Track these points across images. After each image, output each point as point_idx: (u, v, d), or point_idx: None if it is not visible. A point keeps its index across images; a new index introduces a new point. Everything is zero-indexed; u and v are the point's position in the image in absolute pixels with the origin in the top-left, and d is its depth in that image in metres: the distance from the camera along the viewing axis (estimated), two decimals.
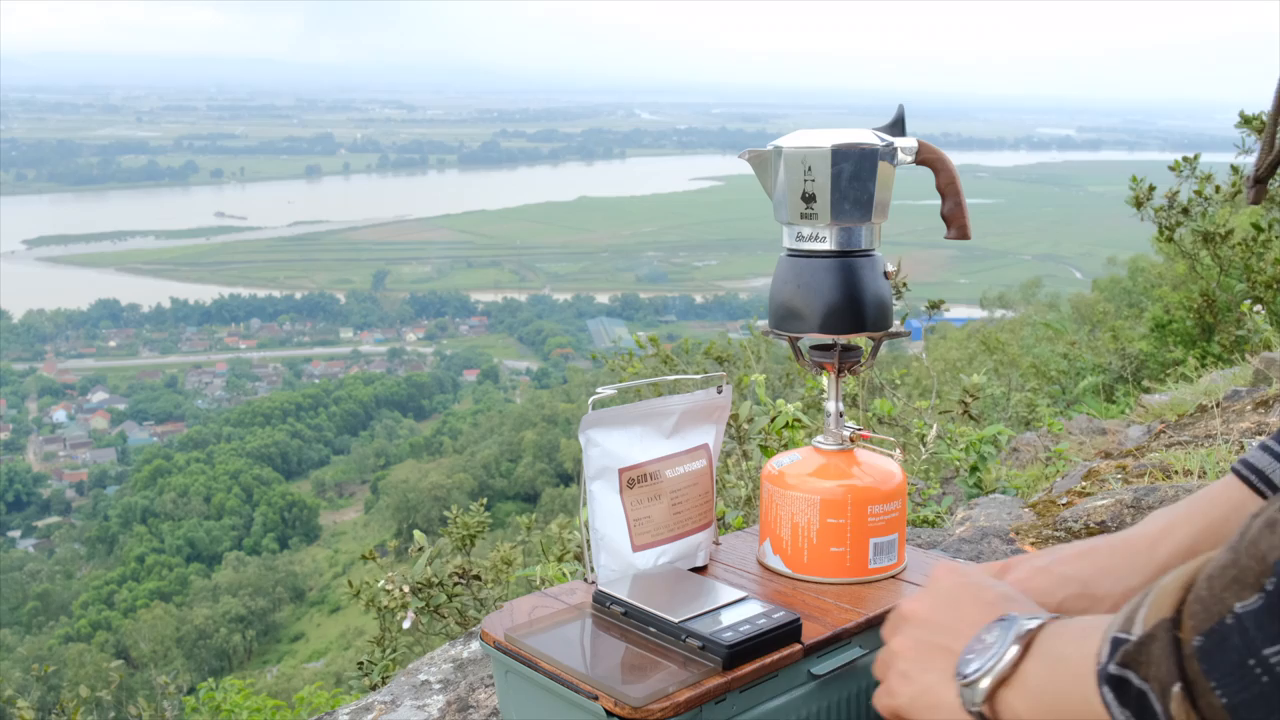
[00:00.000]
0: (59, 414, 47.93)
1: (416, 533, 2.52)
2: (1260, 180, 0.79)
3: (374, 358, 57.12)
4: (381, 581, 2.43)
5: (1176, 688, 0.56)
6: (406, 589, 2.40)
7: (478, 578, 2.51)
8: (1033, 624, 0.71)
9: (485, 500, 3.05)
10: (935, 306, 5.09)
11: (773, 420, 2.47)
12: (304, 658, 20.48)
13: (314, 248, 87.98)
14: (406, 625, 2.44)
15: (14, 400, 48.77)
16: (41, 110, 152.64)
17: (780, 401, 2.52)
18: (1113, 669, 0.61)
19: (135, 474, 36.76)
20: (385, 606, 2.46)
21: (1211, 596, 0.56)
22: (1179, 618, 0.57)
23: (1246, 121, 4.54)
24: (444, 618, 2.48)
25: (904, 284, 3.31)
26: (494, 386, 49.92)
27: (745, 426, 2.65)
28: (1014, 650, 0.70)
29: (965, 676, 0.73)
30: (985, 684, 0.71)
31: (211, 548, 30.99)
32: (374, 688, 2.26)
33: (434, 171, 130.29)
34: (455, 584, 2.47)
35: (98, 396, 50.34)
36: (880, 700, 0.85)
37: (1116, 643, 0.61)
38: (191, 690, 4.02)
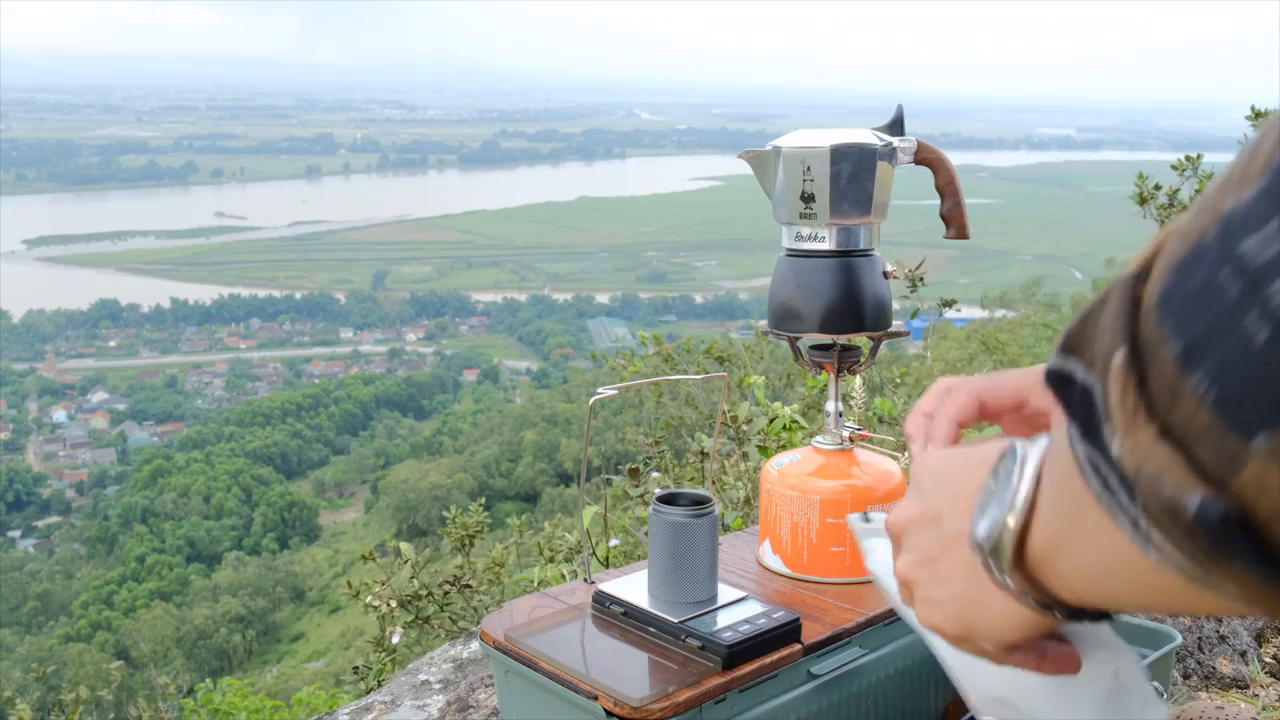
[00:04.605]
0: (59, 414, 47.91)
1: (403, 544, 2.51)
2: None
3: (374, 358, 57.09)
4: (369, 597, 2.42)
5: (1119, 355, 0.40)
6: (394, 604, 2.39)
7: (469, 585, 2.50)
8: (1039, 445, 0.53)
9: (485, 500, 3.04)
10: (948, 304, 5.07)
11: (771, 422, 2.48)
12: (304, 658, 20.47)
13: (314, 248, 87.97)
14: (395, 640, 2.44)
15: (14, 400, 48.75)
16: (41, 110, 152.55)
17: (777, 404, 2.53)
18: (1054, 361, 0.45)
19: (135, 474, 36.75)
20: (382, 615, 2.45)
21: (1199, 214, 0.39)
22: (1148, 270, 0.41)
23: (1258, 116, 4.51)
24: (434, 629, 2.46)
25: (920, 278, 3.29)
26: (494, 386, 49.89)
27: (744, 428, 2.65)
28: (1026, 488, 0.52)
29: (979, 544, 0.54)
30: (1006, 542, 0.53)
31: (211, 548, 30.98)
32: (369, 690, 2.26)
33: (434, 171, 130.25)
34: (445, 593, 2.46)
35: (98, 396, 50.32)
36: (927, 622, 0.65)
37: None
38: (190, 691, 4.02)
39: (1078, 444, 0.44)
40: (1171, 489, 0.38)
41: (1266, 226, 0.35)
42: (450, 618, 2.46)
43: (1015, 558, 0.53)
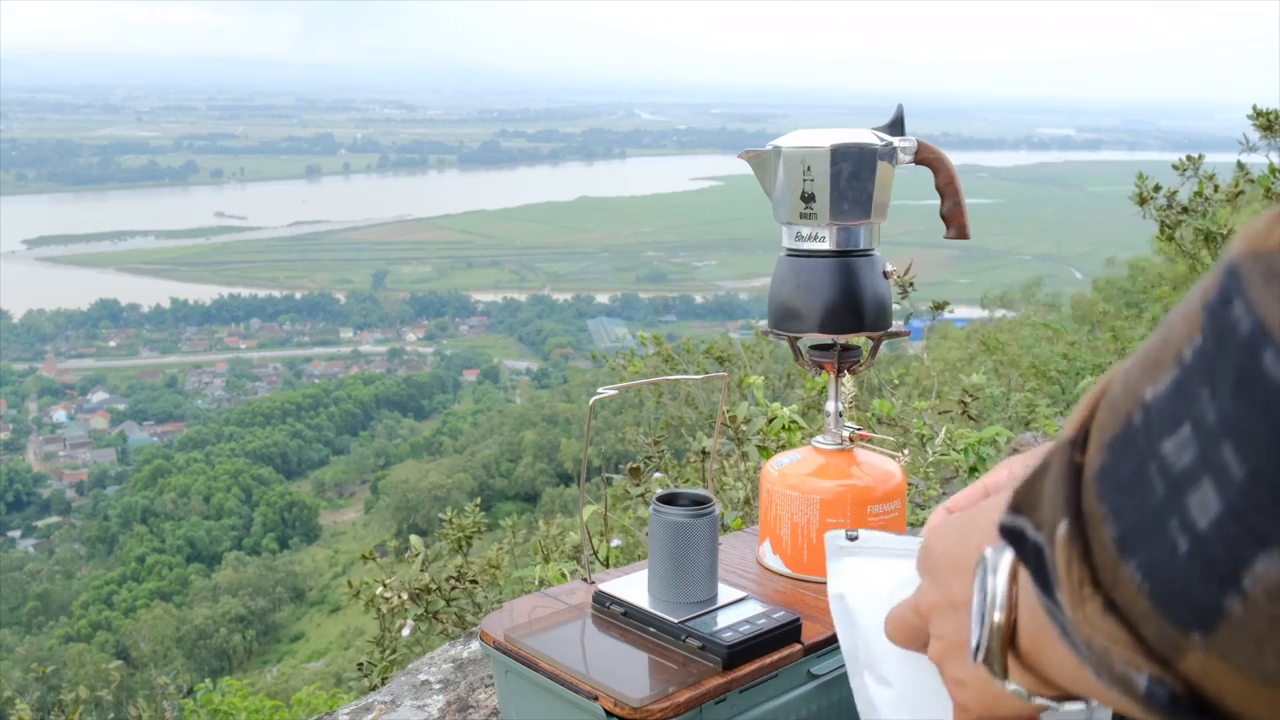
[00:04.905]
0: (59, 414, 47.92)
1: (413, 538, 2.51)
2: None
3: (374, 358, 57.10)
4: (380, 589, 2.42)
5: (1063, 526, 0.41)
6: (405, 596, 2.39)
7: (474, 581, 2.50)
8: (1008, 551, 0.52)
9: (479, 501, 3.02)
10: (940, 307, 5.06)
11: (770, 422, 2.48)
12: (304, 658, 20.45)
13: (314, 248, 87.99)
14: (406, 633, 2.44)
15: (14, 400, 48.75)
16: (41, 110, 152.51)
17: (776, 405, 2.52)
18: (1005, 518, 0.45)
19: (135, 474, 36.75)
20: (384, 611, 2.45)
21: (1125, 391, 0.40)
22: (1085, 435, 0.41)
23: (1259, 115, 4.49)
24: (442, 622, 2.47)
25: (910, 283, 3.29)
26: (494, 386, 49.90)
27: (744, 428, 2.65)
28: (1000, 595, 0.52)
29: (974, 654, 0.54)
30: (994, 651, 0.53)
31: (211, 548, 30.99)
32: (373, 689, 2.26)
33: (434, 171, 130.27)
34: (452, 588, 2.47)
35: (98, 396, 50.33)
36: (957, 700, 0.66)
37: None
38: (190, 692, 4.02)
39: (1038, 593, 0.44)
40: (1120, 665, 0.38)
41: (1180, 430, 0.35)
42: (457, 613, 2.47)
43: (1004, 662, 0.53)
